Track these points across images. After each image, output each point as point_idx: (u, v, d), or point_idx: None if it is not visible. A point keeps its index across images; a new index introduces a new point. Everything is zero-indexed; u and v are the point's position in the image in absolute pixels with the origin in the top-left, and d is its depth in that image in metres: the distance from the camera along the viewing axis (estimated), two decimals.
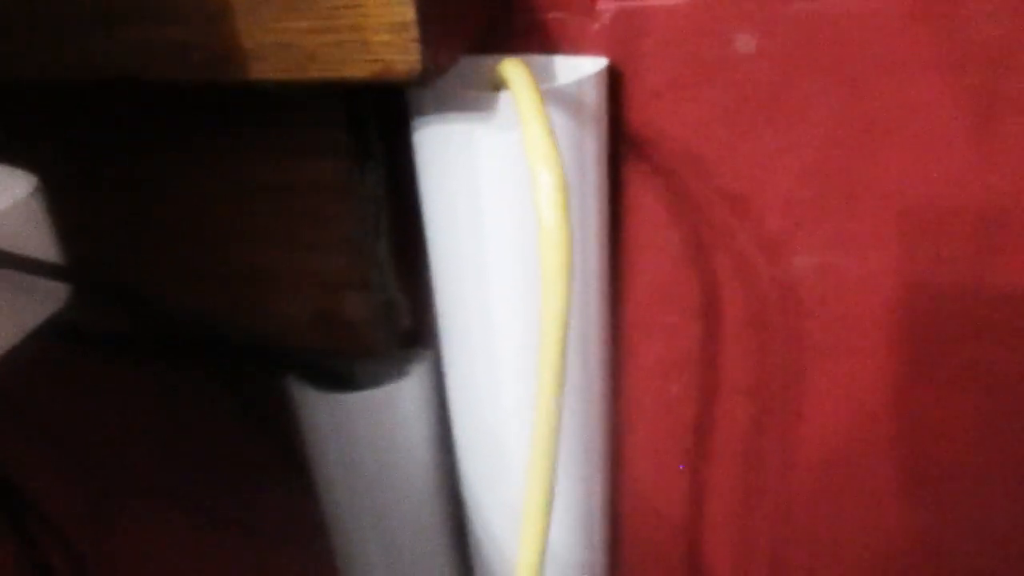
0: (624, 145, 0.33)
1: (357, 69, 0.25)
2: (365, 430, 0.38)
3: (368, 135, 0.32)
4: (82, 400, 0.46)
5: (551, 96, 0.28)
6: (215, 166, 0.33)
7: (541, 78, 0.30)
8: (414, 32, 0.24)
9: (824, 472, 0.39)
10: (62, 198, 0.26)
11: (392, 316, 0.36)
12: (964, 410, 0.35)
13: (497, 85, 0.29)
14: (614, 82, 0.32)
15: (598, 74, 0.30)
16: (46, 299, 0.24)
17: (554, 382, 0.24)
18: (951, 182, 0.31)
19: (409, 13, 0.24)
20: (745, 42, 0.30)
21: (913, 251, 0.32)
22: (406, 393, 0.38)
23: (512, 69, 0.26)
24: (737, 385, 0.38)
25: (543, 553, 0.30)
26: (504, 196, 0.30)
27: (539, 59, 0.32)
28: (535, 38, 0.32)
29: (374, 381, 0.37)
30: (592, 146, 0.31)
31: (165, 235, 0.35)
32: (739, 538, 0.43)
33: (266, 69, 0.26)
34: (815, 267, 0.34)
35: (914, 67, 0.29)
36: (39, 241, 0.24)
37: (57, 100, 0.34)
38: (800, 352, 0.36)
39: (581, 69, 0.31)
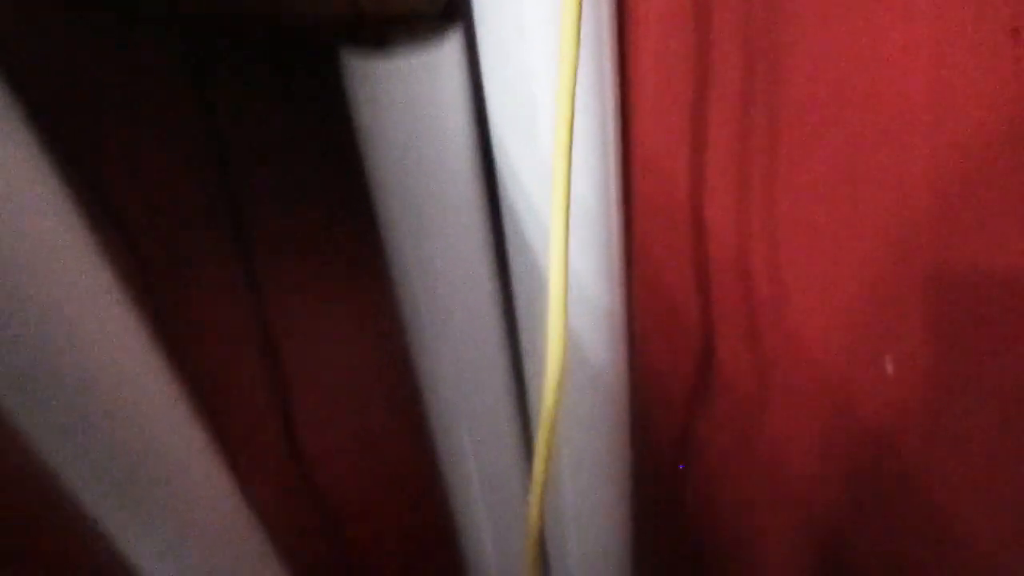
0: None
1: None
2: (408, 94, 0.44)
3: None
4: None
5: None
6: None
7: None
8: None
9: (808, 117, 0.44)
10: None
11: None
12: None
13: None
14: None
15: None
16: None
17: None
18: None
19: None
20: None
21: None
22: (443, 58, 0.43)
23: None
24: (728, 30, 0.42)
25: (568, 198, 0.36)
26: None
27: None
28: None
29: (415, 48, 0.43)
30: None
31: None
32: (736, 195, 0.48)
33: None
34: None
35: None
36: None
37: None
38: None
39: None
